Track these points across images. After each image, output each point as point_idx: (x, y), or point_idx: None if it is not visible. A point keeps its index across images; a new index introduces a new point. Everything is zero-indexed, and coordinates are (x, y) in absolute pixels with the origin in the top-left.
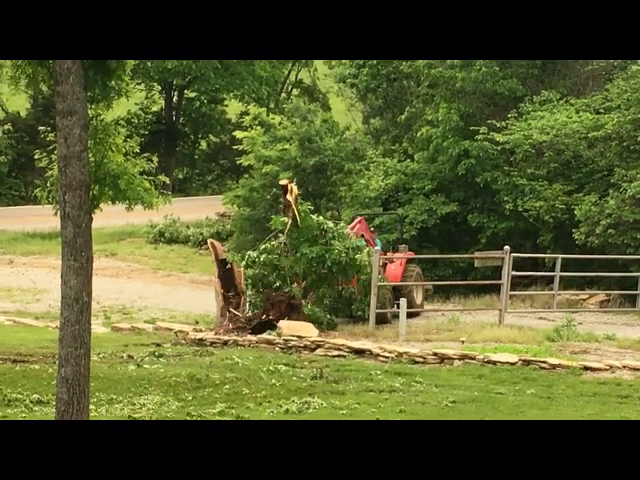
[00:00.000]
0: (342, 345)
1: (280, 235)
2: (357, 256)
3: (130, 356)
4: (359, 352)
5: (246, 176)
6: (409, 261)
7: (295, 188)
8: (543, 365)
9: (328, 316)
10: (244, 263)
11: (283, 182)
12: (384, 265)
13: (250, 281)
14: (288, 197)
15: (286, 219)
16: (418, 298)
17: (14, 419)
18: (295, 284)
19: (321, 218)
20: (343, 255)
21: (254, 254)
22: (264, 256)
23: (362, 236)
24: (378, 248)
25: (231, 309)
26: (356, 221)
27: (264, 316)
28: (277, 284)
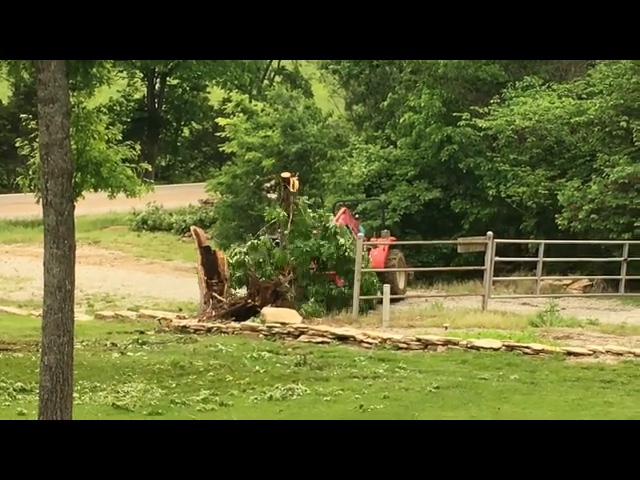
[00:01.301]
0: (326, 332)
1: (274, 229)
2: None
3: (114, 344)
4: (343, 338)
5: (229, 163)
6: (392, 247)
7: (297, 182)
8: (526, 350)
9: (317, 308)
10: (231, 261)
11: (285, 175)
12: (368, 251)
13: (235, 280)
14: (291, 189)
15: (282, 212)
16: (401, 283)
17: None
18: (281, 276)
19: (321, 211)
20: (337, 251)
21: (240, 251)
22: (251, 256)
23: (347, 226)
24: (362, 235)
25: (215, 295)
26: (340, 212)
27: (249, 301)
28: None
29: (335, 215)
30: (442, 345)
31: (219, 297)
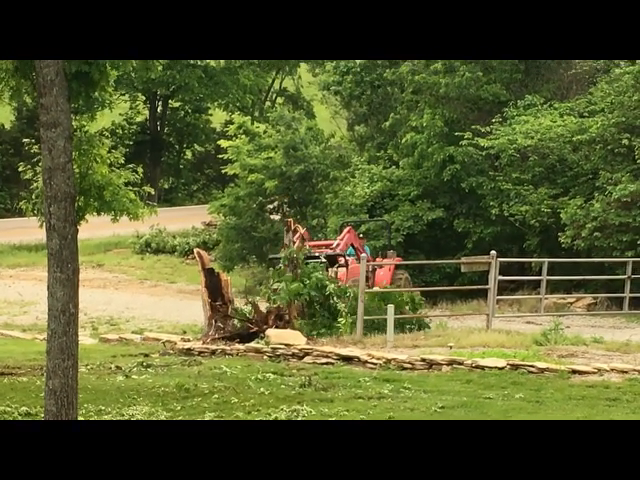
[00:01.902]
0: (330, 352)
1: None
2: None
3: (118, 367)
4: (347, 359)
5: (232, 185)
6: (397, 267)
7: (299, 228)
8: (531, 369)
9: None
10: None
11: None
12: (373, 271)
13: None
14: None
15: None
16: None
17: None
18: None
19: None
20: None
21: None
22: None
23: (352, 245)
24: (364, 255)
25: (219, 324)
26: (345, 231)
27: (254, 328)
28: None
29: (340, 235)
30: (447, 365)
31: (222, 324)
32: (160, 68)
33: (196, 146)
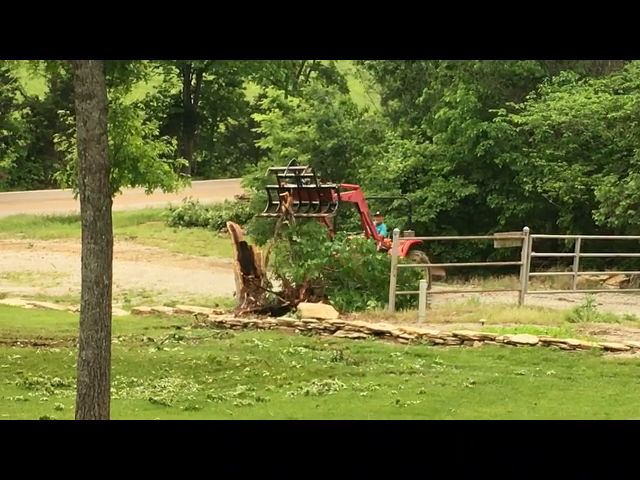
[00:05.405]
0: (362, 327)
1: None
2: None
3: (150, 339)
4: (379, 334)
5: (265, 159)
6: (414, 247)
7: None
8: (563, 346)
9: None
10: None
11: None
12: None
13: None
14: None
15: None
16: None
17: (35, 403)
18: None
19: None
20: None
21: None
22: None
23: (356, 205)
24: (382, 233)
25: (252, 297)
26: (352, 186)
27: (285, 302)
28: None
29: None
30: (478, 340)
31: (253, 297)
32: None
33: (230, 119)
